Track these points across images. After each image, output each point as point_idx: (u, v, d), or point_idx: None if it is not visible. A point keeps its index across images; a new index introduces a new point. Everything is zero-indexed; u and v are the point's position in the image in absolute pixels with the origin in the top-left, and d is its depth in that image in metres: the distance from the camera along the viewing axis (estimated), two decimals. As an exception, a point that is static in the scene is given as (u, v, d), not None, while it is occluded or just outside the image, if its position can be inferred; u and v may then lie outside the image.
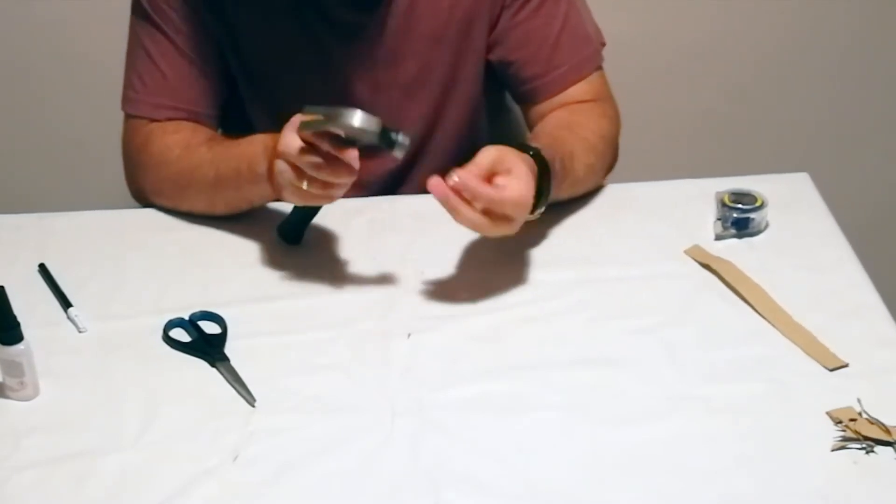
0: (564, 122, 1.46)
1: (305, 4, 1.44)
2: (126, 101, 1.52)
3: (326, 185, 1.26)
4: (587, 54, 1.53)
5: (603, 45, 1.56)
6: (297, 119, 1.26)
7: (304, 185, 1.26)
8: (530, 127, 1.54)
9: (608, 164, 1.50)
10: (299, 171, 1.26)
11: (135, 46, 1.50)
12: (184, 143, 1.45)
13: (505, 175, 1.24)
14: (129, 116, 1.52)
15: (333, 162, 1.24)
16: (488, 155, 1.25)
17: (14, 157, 2.24)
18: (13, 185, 2.22)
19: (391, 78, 1.50)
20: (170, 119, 1.48)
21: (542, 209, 1.32)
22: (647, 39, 2.15)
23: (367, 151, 1.24)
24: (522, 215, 1.26)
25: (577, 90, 1.51)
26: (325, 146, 1.23)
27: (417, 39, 1.48)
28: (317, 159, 1.24)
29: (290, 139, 1.25)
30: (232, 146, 1.41)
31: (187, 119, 1.48)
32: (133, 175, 1.52)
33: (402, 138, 1.24)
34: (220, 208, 1.44)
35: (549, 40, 1.49)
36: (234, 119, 1.55)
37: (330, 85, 1.49)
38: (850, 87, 2.24)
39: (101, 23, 2.09)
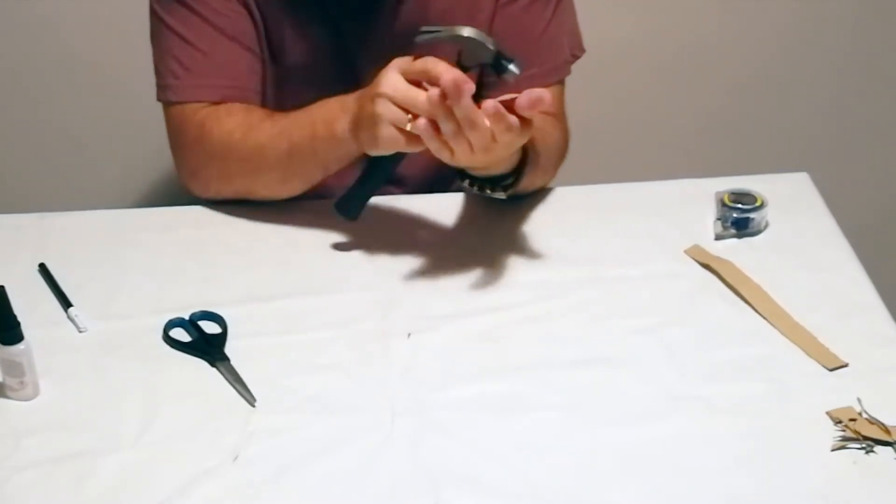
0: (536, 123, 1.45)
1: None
2: (167, 89, 1.45)
3: (433, 125, 1.22)
4: (558, 63, 1.52)
5: (576, 56, 1.55)
6: (396, 61, 1.24)
7: (409, 126, 1.23)
8: None
9: (552, 176, 1.49)
10: (405, 112, 1.23)
11: (164, 34, 1.44)
12: (244, 124, 1.40)
13: None
14: (173, 105, 1.45)
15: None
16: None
17: (14, 157, 2.24)
18: (13, 185, 2.22)
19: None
20: (221, 100, 1.43)
21: (516, 185, 1.34)
22: (647, 39, 2.15)
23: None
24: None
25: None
26: (440, 68, 1.20)
27: (433, 21, 1.46)
28: (425, 94, 1.21)
29: (395, 78, 1.23)
30: (300, 114, 1.37)
31: (238, 98, 1.44)
32: (193, 168, 1.46)
33: (514, 67, 1.23)
34: (295, 183, 1.41)
35: (530, 40, 1.48)
36: None
37: (343, 66, 1.47)
38: (850, 87, 2.24)
39: (102, 23, 2.09)
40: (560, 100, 1.54)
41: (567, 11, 1.53)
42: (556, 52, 1.52)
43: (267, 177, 1.41)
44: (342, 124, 1.32)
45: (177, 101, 1.45)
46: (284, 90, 1.50)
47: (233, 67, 1.45)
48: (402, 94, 1.23)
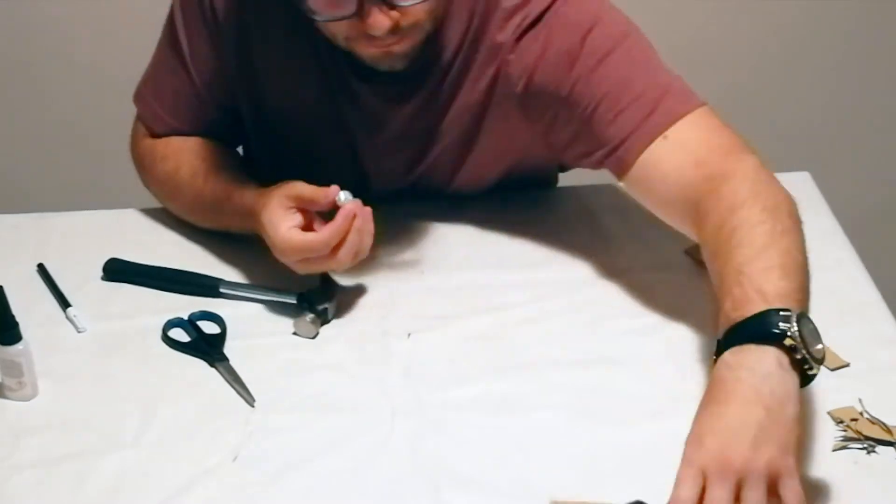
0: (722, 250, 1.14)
1: (336, 90, 1.36)
2: (137, 95, 1.47)
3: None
4: (664, 106, 1.32)
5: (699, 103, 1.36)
6: (277, 199, 1.26)
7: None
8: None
9: (794, 214, 1.17)
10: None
11: (161, 49, 1.44)
12: (173, 177, 1.42)
13: None
14: (138, 113, 1.49)
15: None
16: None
17: (14, 157, 2.24)
18: (13, 185, 2.22)
19: (423, 152, 1.40)
20: (163, 134, 1.44)
21: (818, 351, 1.07)
22: (646, 39, 2.14)
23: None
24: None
25: (702, 144, 1.28)
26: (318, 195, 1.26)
27: (458, 111, 1.35)
28: (322, 242, 1.24)
29: (285, 238, 1.25)
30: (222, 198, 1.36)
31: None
32: (137, 167, 1.50)
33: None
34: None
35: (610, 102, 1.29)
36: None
37: (355, 169, 1.42)
38: (850, 86, 2.24)
39: (102, 23, 2.10)
40: (703, 137, 1.29)
41: (636, 51, 1.40)
42: (644, 103, 1.31)
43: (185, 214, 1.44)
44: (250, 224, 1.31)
45: (137, 107, 1.48)
46: (278, 170, 1.41)
47: (185, 113, 1.43)
48: (298, 250, 1.25)
